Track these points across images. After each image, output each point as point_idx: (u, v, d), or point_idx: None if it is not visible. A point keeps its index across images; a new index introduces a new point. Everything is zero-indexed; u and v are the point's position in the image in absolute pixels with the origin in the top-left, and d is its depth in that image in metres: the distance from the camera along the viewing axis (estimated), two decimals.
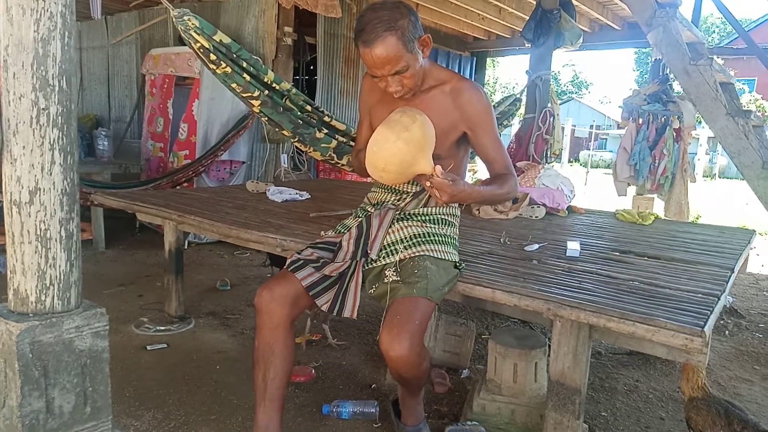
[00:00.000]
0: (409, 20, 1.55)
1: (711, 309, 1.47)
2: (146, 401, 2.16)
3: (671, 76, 4.05)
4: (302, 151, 5.46)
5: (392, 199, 1.82)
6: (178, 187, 4.31)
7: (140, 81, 5.86)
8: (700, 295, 1.61)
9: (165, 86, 4.85)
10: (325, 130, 3.36)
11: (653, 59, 4.18)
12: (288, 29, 4.89)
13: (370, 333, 2.96)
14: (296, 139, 3.31)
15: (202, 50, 2.81)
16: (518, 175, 3.02)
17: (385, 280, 1.65)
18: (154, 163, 4.92)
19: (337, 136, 3.51)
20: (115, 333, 2.84)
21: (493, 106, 3.96)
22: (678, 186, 4.00)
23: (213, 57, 2.84)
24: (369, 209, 1.85)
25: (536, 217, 2.79)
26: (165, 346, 2.71)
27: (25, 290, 1.39)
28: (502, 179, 1.75)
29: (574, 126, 24.01)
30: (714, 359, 2.84)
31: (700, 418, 1.70)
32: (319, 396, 2.25)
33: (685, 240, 2.52)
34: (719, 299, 1.58)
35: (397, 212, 1.77)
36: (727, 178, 20.05)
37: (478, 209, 2.80)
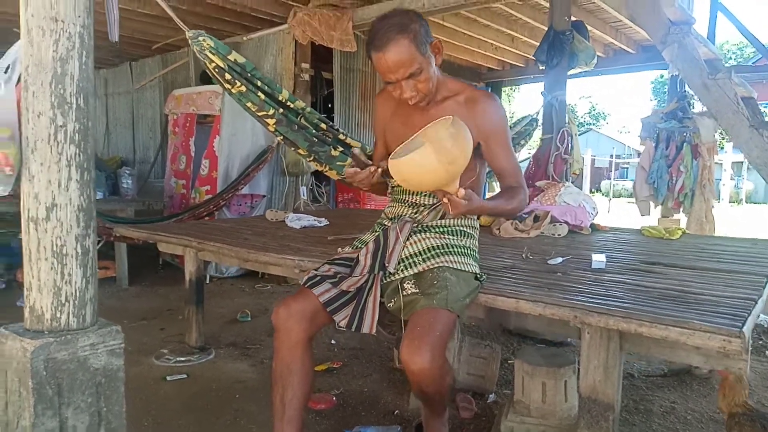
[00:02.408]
0: (420, 24, 1.56)
1: (749, 311, 1.39)
2: (165, 431, 2.12)
3: (689, 92, 4.01)
4: (321, 184, 5.50)
5: (409, 212, 1.79)
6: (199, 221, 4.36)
7: (164, 122, 6.02)
8: (736, 300, 1.53)
9: (187, 125, 4.97)
10: (341, 148, 3.34)
11: (670, 75, 4.15)
12: (305, 66, 5.01)
13: (392, 360, 2.88)
14: (311, 158, 3.31)
15: (217, 70, 2.85)
16: (538, 195, 2.98)
17: (404, 293, 1.61)
18: (176, 200, 5.00)
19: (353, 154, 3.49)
20: (136, 365, 2.82)
21: (510, 126, 3.96)
22: (698, 203, 3.88)
23: (228, 77, 2.88)
24: (386, 223, 1.82)
25: (558, 235, 2.73)
26: (185, 376, 2.67)
27: (41, 307, 1.38)
28: (511, 193, 1.72)
29: (594, 156, 23.85)
30: (755, 380, 2.69)
31: None
32: (340, 423, 2.18)
33: (716, 251, 2.43)
34: (756, 303, 1.49)
35: (415, 225, 1.74)
36: (755, 203, 19.58)
37: (498, 228, 2.75)
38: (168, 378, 2.64)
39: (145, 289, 4.59)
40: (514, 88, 18.90)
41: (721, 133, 4.00)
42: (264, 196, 4.97)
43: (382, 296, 1.66)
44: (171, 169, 5.14)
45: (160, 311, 3.90)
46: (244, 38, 5.27)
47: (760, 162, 3.09)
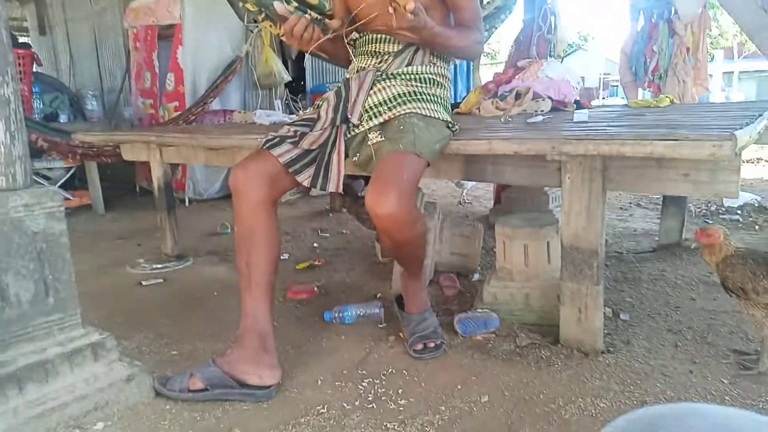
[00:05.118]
0: None
1: (740, 126, 1.27)
2: (138, 325, 2.04)
3: None
4: (296, 98, 5.27)
5: (373, 62, 1.64)
6: None
7: (127, 44, 5.68)
8: (726, 123, 1.41)
9: (148, 38, 4.67)
10: (295, 4, 3.00)
11: None
12: None
13: (375, 255, 2.80)
14: (263, 16, 2.99)
15: None
16: (519, 73, 2.81)
17: (369, 143, 1.48)
18: (145, 121, 4.76)
19: (310, 12, 3.18)
20: (110, 275, 2.74)
21: (488, 1, 3.71)
22: (671, 84, 3.64)
23: None
24: (348, 76, 1.67)
25: (542, 111, 2.57)
26: (161, 281, 2.60)
27: None
28: (465, 31, 1.58)
29: (583, 77, 23.31)
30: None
31: (737, 275, 1.51)
32: (321, 308, 2.10)
33: (707, 109, 2.30)
34: (749, 124, 1.37)
35: (379, 73, 1.59)
36: None
37: (478, 108, 2.59)
38: (144, 282, 2.56)
39: (123, 214, 4.45)
40: None
41: (705, 7, 3.69)
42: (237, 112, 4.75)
43: (346, 152, 1.54)
44: (137, 89, 4.88)
45: (137, 231, 3.79)
46: None
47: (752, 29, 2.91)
